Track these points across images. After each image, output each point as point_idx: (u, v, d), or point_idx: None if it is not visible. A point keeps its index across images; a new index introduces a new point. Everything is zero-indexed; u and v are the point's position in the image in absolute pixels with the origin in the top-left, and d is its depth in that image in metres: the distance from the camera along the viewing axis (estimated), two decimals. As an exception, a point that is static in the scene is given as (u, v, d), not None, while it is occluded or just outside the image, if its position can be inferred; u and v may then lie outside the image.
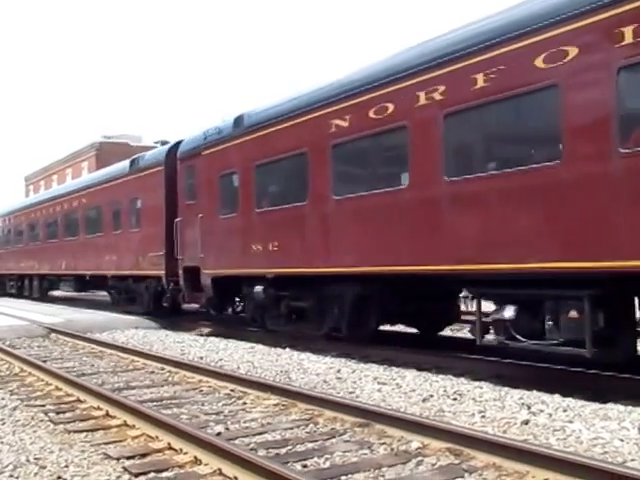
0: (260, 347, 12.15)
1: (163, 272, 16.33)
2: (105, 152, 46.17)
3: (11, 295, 30.98)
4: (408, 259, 9.51)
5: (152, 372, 10.02)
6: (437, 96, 8.99)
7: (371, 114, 10.04)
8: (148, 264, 17.12)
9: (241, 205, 13.32)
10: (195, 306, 16.10)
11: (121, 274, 19.22)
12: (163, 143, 20.28)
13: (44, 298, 26.78)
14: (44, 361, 10.89)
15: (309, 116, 11.40)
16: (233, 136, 13.58)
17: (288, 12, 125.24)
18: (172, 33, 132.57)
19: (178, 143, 16.38)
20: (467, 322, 12.17)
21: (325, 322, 11.55)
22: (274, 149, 12.24)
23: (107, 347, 12.65)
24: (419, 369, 9.21)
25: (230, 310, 15.25)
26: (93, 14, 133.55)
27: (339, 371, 9.38)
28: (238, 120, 13.51)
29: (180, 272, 15.45)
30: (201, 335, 14.84)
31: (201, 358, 11.21)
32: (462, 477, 4.94)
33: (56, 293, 28.17)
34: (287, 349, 11.70)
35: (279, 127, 12.16)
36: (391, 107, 9.74)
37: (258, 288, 12.80)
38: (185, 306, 16.96)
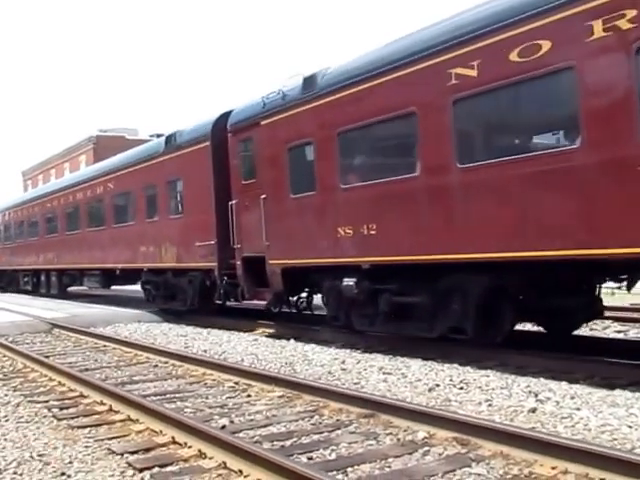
0: (264, 339, 12.11)
1: (215, 264, 13.95)
2: (102, 146, 45.95)
3: (25, 292, 28.78)
4: (569, 242, 7.42)
5: (155, 366, 9.98)
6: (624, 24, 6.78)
7: (514, 56, 7.76)
8: (194, 255, 14.81)
9: (319, 181, 11.02)
10: (261, 303, 13.01)
11: (159, 267, 16.78)
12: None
13: (64, 295, 24.59)
14: (47, 357, 10.85)
15: (419, 66, 9.08)
16: (304, 100, 11.30)
17: (283, 5, 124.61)
18: (167, 27, 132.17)
19: (226, 114, 14.03)
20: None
21: (440, 321, 9.35)
22: (365, 111, 9.99)
23: (110, 341, 12.61)
24: (424, 358, 9.14)
25: (284, 306, 13.33)
26: (88, 8, 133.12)
27: (344, 362, 9.33)
28: (309, 81, 11.30)
29: (238, 263, 13.17)
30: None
31: (205, 351, 11.16)
32: (469, 466, 4.89)
33: (76, 289, 25.89)
34: (291, 340, 11.64)
35: (371, 83, 9.90)
36: (547, 45, 7.46)
37: (348, 281, 10.47)
38: (245, 303, 13.93)
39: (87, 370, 9.69)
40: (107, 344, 12.47)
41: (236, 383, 8.28)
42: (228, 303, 14.81)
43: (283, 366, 9.37)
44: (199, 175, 14.56)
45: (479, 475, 4.73)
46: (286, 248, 11.84)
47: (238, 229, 13.17)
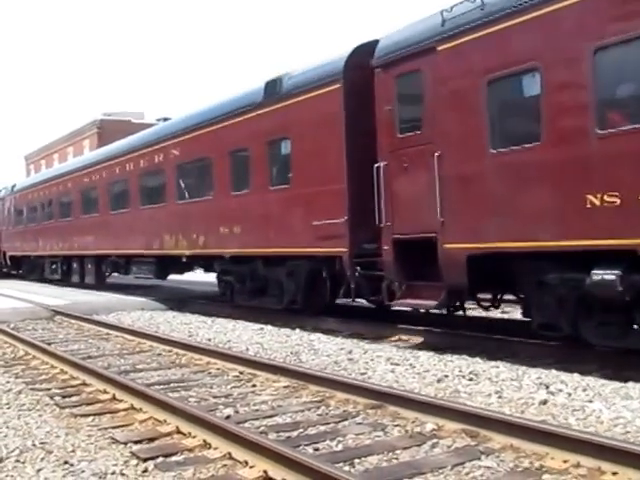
0: (269, 328, 12.01)
1: (344, 249, 10.67)
2: (106, 130, 45.78)
3: (51, 281, 25.49)
4: None
5: (159, 354, 9.91)
6: None
7: None
8: (307, 238, 11.51)
9: (549, 125, 7.66)
10: (421, 302, 9.59)
11: (247, 253, 13.43)
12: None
13: (102, 285, 21.24)
14: (49, 344, 10.79)
15: None
16: (528, 4, 7.83)
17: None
18: (174, 11, 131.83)
19: (365, 45, 10.84)
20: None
21: None
22: None
23: (113, 329, 12.55)
24: (433, 349, 9.06)
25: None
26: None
27: (351, 352, 9.24)
28: None
29: (386, 248, 9.86)
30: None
31: (209, 340, 11.09)
32: (479, 459, 4.80)
33: (114, 279, 22.45)
34: (297, 330, 11.56)
35: None
36: None
37: (604, 274, 7.03)
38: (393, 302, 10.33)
39: (89, 358, 9.62)
40: (110, 332, 12.40)
41: (241, 372, 8.21)
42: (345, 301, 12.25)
43: (289, 355, 9.30)
44: (320, 131, 11.23)
45: (489, 468, 4.64)
46: (478, 226, 8.57)
47: (388, 201, 9.85)
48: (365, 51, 10.55)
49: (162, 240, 16.49)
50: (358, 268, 10.63)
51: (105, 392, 7.33)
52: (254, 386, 7.53)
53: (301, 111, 11.74)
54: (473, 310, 11.01)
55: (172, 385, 7.70)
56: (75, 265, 23.07)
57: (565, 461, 4.63)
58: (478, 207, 8.58)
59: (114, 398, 7.06)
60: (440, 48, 9.04)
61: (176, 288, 20.77)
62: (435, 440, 5.24)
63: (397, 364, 8.26)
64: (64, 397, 7.27)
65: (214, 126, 14.34)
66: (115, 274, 21.38)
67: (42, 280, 26.23)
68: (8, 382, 8.14)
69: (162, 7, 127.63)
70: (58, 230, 23.99)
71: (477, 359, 8.26)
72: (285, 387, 7.33)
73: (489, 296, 10.17)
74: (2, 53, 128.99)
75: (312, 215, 11.45)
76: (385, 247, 9.96)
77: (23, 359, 9.92)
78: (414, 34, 9.57)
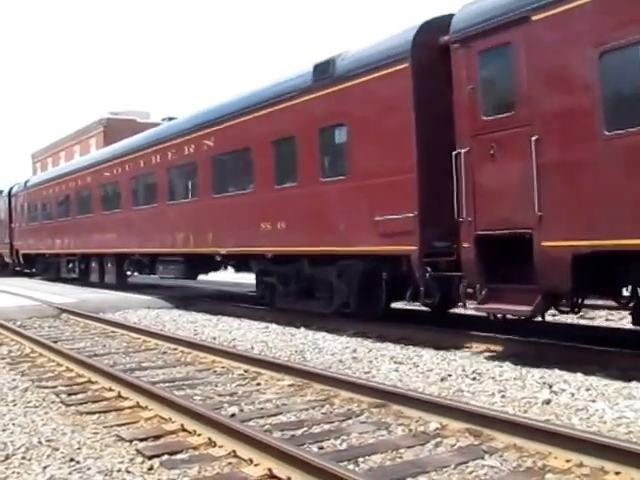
0: (274, 327, 12.04)
1: (414, 247, 9.51)
2: (112, 128, 45.90)
3: (66, 280, 24.38)
4: None
5: (164, 353, 9.94)
6: None
7: None
8: (367, 235, 10.38)
9: None
10: (511, 308, 8.40)
11: (292, 252, 12.20)
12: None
13: (123, 285, 20.08)
14: (55, 342, 10.83)
15: None
16: None
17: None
18: (179, 10, 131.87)
19: (438, 19, 9.87)
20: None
21: None
22: None
23: (119, 327, 12.58)
24: (436, 348, 9.08)
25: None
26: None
27: (355, 350, 9.27)
28: None
29: (466, 246, 8.77)
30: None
31: (214, 338, 11.12)
32: (482, 458, 4.81)
33: (134, 278, 21.16)
34: (302, 328, 11.58)
35: None
36: None
37: None
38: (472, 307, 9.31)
39: (95, 356, 9.66)
40: (116, 330, 12.44)
41: (246, 371, 8.23)
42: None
43: (293, 354, 9.32)
44: (384, 115, 10.09)
45: (492, 467, 4.65)
46: (589, 221, 7.47)
47: (470, 192, 8.72)
48: (433, 28, 9.71)
49: (192, 238, 15.34)
50: (428, 269, 9.50)
51: (111, 390, 7.36)
52: (259, 384, 7.55)
53: (360, 94, 10.53)
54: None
55: (177, 383, 7.73)
56: (94, 264, 21.88)
57: (568, 460, 4.63)
58: (588, 199, 7.47)
59: (120, 396, 7.10)
60: (536, 18, 7.95)
61: (187, 287, 20.21)
62: (439, 439, 5.26)
63: (401, 363, 8.28)
64: (70, 395, 7.30)
65: (254, 114, 13.04)
66: (136, 273, 20.44)
67: (57, 279, 25.14)
68: (14, 379, 8.18)
69: (166, 9, 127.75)
70: (76, 227, 22.71)
71: (480, 358, 8.29)
72: (290, 386, 7.35)
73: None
74: (10, 52, 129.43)
75: (374, 209, 10.19)
76: (465, 245, 8.83)
77: (29, 357, 9.96)
78: (501, 4, 8.51)
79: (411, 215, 9.57)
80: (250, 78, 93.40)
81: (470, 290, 8.83)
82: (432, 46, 9.56)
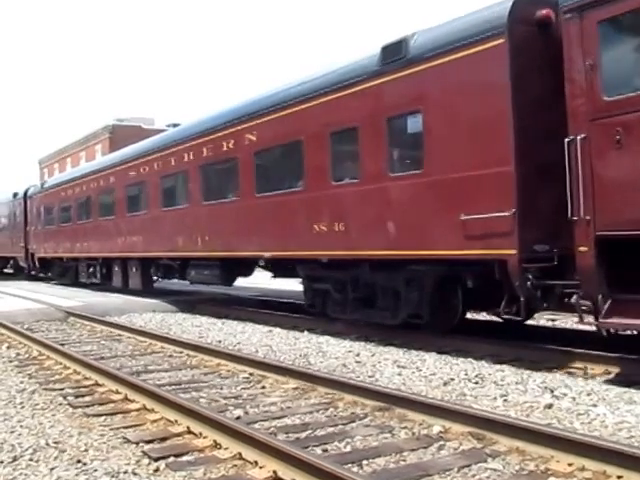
0: (278, 330, 12.09)
1: (512, 251, 8.22)
2: (118, 135, 46.25)
3: (84, 285, 23.26)
4: None
5: (170, 356, 10.01)
6: None
7: None
8: (452, 236, 8.97)
9: None
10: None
11: (352, 256, 10.82)
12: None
13: (149, 291, 18.86)
14: (62, 344, 10.90)
15: None
16: None
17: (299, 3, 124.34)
18: (183, 17, 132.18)
19: None
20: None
21: None
22: None
23: (125, 330, 12.64)
24: (439, 352, 9.12)
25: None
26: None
27: (358, 354, 9.31)
28: None
29: (583, 249, 7.34)
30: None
31: (219, 341, 11.17)
32: (485, 462, 4.86)
33: (163, 283, 20.13)
34: (305, 332, 11.63)
35: None
36: None
37: None
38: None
39: (102, 359, 9.73)
40: (122, 333, 12.51)
41: (250, 374, 8.29)
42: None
43: (297, 358, 9.37)
44: (472, 100, 8.82)
45: (495, 470, 4.70)
46: None
47: (588, 186, 7.37)
48: (527, 1, 8.63)
49: (231, 240, 14.06)
50: (530, 276, 8.23)
51: (117, 392, 7.43)
52: (264, 387, 7.61)
53: (441, 77, 9.22)
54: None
55: (183, 386, 7.79)
56: (117, 268, 20.40)
57: (570, 464, 4.68)
58: None
59: (126, 398, 7.17)
60: None
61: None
62: (442, 442, 5.31)
63: (404, 367, 8.32)
64: (77, 397, 7.37)
65: (306, 104, 11.65)
66: (162, 279, 19.34)
67: (76, 284, 23.93)
68: (22, 382, 8.25)
69: (170, 16, 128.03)
70: (98, 230, 21.30)
71: (483, 363, 8.32)
72: (294, 389, 7.40)
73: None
74: (18, 61, 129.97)
75: (457, 207, 8.86)
76: (582, 248, 7.41)
77: (37, 359, 10.03)
78: None
79: (508, 214, 8.26)
80: (254, 85, 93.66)
81: (586, 302, 7.47)
82: (529, 19, 8.49)
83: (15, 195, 31.16)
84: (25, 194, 29.95)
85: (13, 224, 31.25)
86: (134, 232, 18.69)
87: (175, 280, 18.48)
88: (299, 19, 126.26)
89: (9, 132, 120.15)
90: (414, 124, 9.78)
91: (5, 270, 34.11)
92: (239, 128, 13.62)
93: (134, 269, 19.28)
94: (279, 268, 14.15)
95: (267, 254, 13.07)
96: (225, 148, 14.12)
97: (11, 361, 9.86)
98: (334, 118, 10.99)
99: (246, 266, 15.30)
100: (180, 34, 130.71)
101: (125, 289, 19.72)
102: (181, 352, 10.14)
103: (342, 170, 11.26)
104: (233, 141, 13.82)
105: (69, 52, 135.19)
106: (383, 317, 10.63)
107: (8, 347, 11.20)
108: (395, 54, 9.90)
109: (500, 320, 9.88)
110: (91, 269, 22.77)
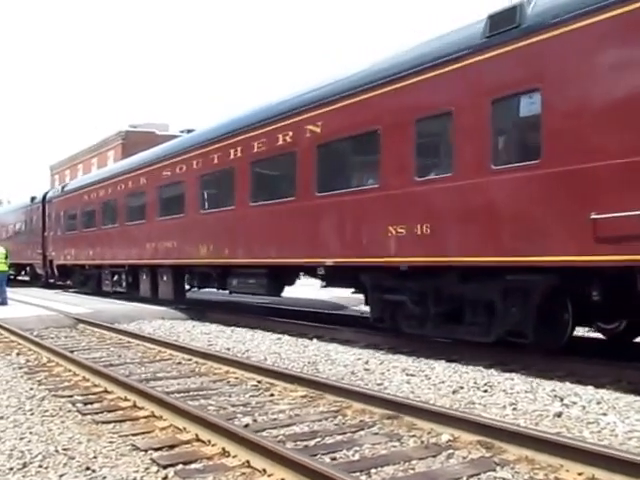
0: (287, 338, 12.09)
1: None
2: (131, 141, 46.42)
3: (107, 294, 21.73)
4: None
5: (179, 363, 10.02)
6: None
7: None
8: (579, 239, 7.55)
9: None
10: None
11: (437, 262, 9.33)
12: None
13: (181, 301, 17.57)
14: (71, 351, 10.92)
15: None
16: None
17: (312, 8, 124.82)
18: (196, 24, 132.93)
19: None
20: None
21: None
22: None
23: (134, 338, 12.67)
24: (448, 360, 9.11)
25: None
26: (119, 3, 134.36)
27: (367, 362, 9.31)
28: None
29: None
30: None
31: (228, 349, 11.18)
32: (494, 470, 4.84)
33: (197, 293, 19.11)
34: (314, 340, 11.62)
35: None
36: None
37: None
38: None
39: (111, 365, 9.74)
40: (131, 340, 12.53)
41: (259, 382, 8.29)
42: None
43: (306, 365, 9.36)
44: (616, 72, 7.33)
45: (504, 479, 4.68)
46: None
47: None
48: None
49: (283, 246, 12.52)
50: None
51: (126, 400, 7.43)
52: (272, 395, 7.61)
53: (569, 47, 7.78)
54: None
55: (192, 393, 7.79)
56: (145, 276, 18.88)
57: (580, 474, 4.66)
58: None
59: (135, 406, 7.17)
60: None
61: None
62: (451, 451, 5.29)
63: (413, 375, 8.31)
64: (86, 404, 7.38)
65: (383, 88, 10.21)
66: (190, 286, 18.11)
67: (99, 293, 22.51)
68: (32, 389, 8.26)
69: (187, 23, 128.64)
70: (125, 235, 19.83)
71: (492, 371, 8.31)
72: (303, 397, 7.39)
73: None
74: (30, 67, 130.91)
75: (589, 204, 7.39)
76: None
77: (46, 366, 10.05)
78: None
79: None
80: (266, 90, 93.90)
81: None
82: None
83: (33, 199, 30.11)
84: (44, 198, 28.85)
85: (30, 229, 30.09)
86: (167, 237, 17.11)
87: (204, 289, 17.37)
88: (311, 24, 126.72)
89: (21, 139, 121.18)
90: (529, 105, 8.37)
91: (20, 277, 33.28)
92: (299, 119, 12.01)
93: (165, 277, 17.64)
94: (335, 277, 12.31)
95: (329, 261, 11.32)
96: (281, 142, 12.51)
97: (21, 368, 9.88)
98: (419, 103, 9.64)
99: (294, 274, 14.29)
100: (193, 41, 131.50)
101: (154, 299, 18.30)
102: (190, 359, 10.15)
103: (429, 163, 9.84)
104: (291, 133, 12.21)
105: (83, 59, 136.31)
106: (472, 334, 9.30)
107: (18, 354, 11.23)
108: (506, 23, 8.47)
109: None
110: (116, 277, 21.41)
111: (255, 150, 13.37)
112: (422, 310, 9.93)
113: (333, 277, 12.32)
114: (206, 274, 16.20)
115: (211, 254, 14.96)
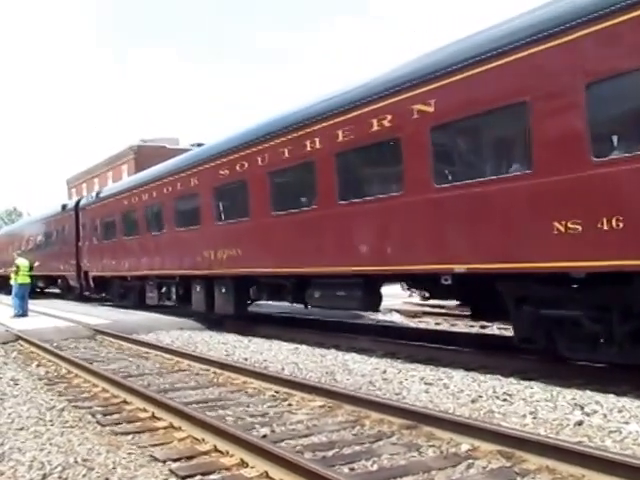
0: (304, 348, 12.07)
1: None
2: (143, 155, 46.95)
3: (150, 307, 19.95)
4: None
5: (197, 374, 10.03)
6: None
7: None
8: None
9: None
10: None
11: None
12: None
13: (242, 314, 15.56)
14: (91, 362, 10.98)
15: None
16: None
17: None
18: (206, 38, 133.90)
19: None
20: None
21: None
22: None
23: (152, 348, 12.70)
24: (466, 369, 9.05)
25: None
26: (129, 18, 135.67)
27: (385, 372, 9.27)
28: None
29: None
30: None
31: (245, 359, 11.18)
32: (514, 480, 4.79)
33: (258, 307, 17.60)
34: (332, 349, 11.59)
35: None
36: None
37: None
38: None
39: (130, 376, 9.78)
40: (149, 351, 12.57)
41: (277, 392, 8.27)
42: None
43: (324, 375, 9.34)
44: None
45: (525, 489, 4.65)
46: None
47: None
48: None
49: (388, 250, 10.26)
50: None
51: (145, 410, 7.46)
52: (290, 405, 7.59)
53: None
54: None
55: (210, 404, 7.79)
56: (199, 288, 16.62)
57: (601, 483, 4.61)
58: None
59: (153, 416, 7.20)
60: None
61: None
62: (470, 461, 5.25)
63: (431, 384, 8.27)
64: (105, 415, 7.42)
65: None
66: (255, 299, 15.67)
67: (140, 307, 20.60)
68: (52, 399, 8.32)
69: (195, 37, 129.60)
70: (174, 242, 17.51)
71: (511, 379, 8.24)
72: (320, 407, 7.38)
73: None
74: (45, 85, 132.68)
75: None
76: None
77: (66, 377, 10.12)
78: None
79: None
80: (275, 105, 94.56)
81: None
82: None
83: (64, 207, 28.27)
84: (76, 206, 26.75)
85: (62, 239, 28.00)
86: (227, 244, 14.84)
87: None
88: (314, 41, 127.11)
89: (38, 154, 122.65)
90: None
91: (48, 290, 31.66)
92: (403, 97, 9.78)
93: (224, 289, 15.49)
94: (459, 287, 9.83)
95: (460, 268, 9.03)
96: (375, 128, 10.30)
97: (40, 379, 9.95)
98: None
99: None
100: (202, 59, 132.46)
101: (210, 313, 16.33)
102: (207, 370, 10.15)
103: (612, 141, 7.50)
104: (391, 117, 10.02)
105: (97, 76, 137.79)
106: None
107: (38, 365, 11.30)
108: None
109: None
110: (164, 289, 19.05)
111: (340, 139, 11.06)
112: (601, 329, 7.69)
113: (458, 288, 9.83)
114: (277, 285, 14.03)
115: (285, 263, 12.82)
